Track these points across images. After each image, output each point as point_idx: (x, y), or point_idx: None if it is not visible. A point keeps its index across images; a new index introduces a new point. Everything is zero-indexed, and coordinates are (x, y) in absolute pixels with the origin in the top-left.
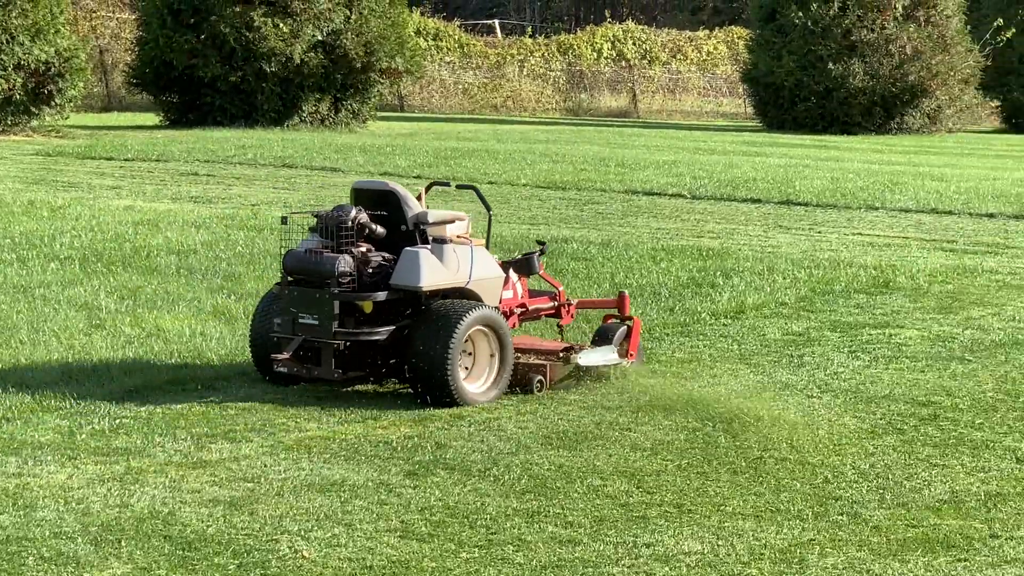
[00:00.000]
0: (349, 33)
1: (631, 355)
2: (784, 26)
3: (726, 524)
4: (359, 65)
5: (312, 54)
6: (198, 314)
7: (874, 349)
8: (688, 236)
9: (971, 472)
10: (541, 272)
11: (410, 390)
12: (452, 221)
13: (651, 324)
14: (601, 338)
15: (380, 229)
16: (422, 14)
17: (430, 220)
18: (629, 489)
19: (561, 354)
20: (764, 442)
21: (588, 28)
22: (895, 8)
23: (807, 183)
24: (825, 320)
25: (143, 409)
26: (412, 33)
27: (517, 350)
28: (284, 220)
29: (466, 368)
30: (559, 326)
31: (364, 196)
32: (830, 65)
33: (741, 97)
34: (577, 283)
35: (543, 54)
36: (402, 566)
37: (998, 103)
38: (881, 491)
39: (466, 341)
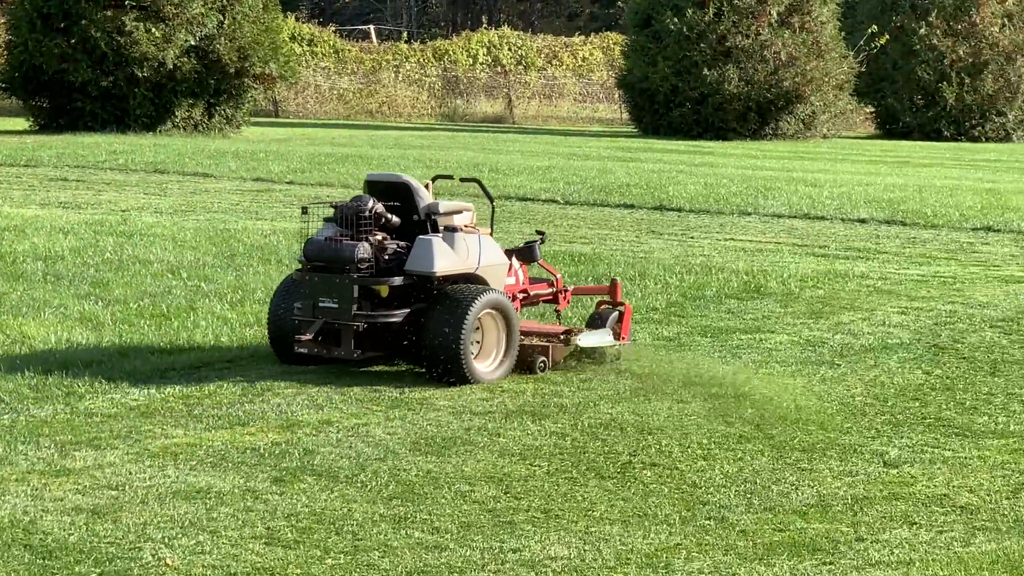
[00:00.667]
0: (223, 38)
1: (623, 338)
2: (659, 32)
3: (593, 529)
4: (233, 70)
5: (185, 59)
6: (64, 321)
7: (744, 354)
8: (560, 242)
9: (838, 476)
10: (540, 260)
11: (421, 369)
12: (460, 212)
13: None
14: (596, 322)
15: (395, 218)
16: (297, 19)
17: (441, 210)
18: (497, 494)
19: (562, 336)
20: (633, 447)
21: (464, 34)
22: (770, 14)
23: (680, 189)
24: (696, 325)
25: (6, 417)
26: (287, 38)
27: (521, 332)
28: (304, 210)
29: (474, 350)
30: (556, 311)
31: (378, 187)
32: (705, 71)
33: (617, 103)
34: None
35: (418, 59)
36: (267, 573)
37: (872, 109)
38: (748, 495)
39: (476, 325)
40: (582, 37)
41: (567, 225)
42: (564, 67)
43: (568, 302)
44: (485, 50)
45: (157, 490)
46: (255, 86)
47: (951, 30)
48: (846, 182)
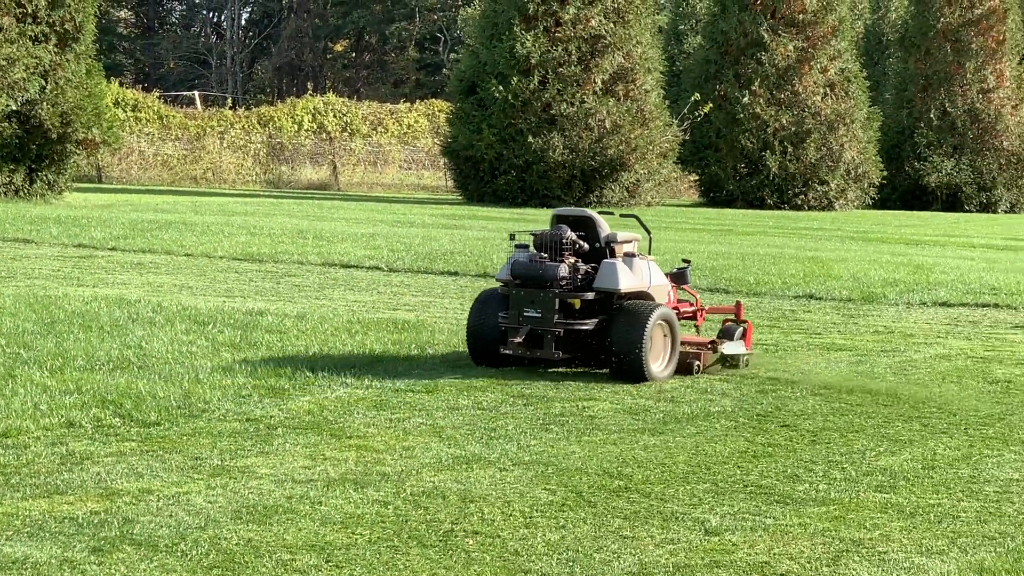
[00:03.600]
0: (45, 103)
1: (747, 348)
2: (484, 99)
3: None
4: (55, 136)
5: (6, 124)
6: None
7: (567, 422)
8: (384, 309)
9: (660, 544)
10: (687, 284)
11: (605, 370)
12: (630, 241)
13: (348, 399)
14: (725, 336)
15: (585, 245)
16: (121, 85)
17: (619, 240)
18: (318, 563)
19: (709, 345)
20: (455, 515)
21: (289, 100)
22: (594, 83)
23: (504, 256)
24: (518, 393)
25: None
26: (110, 104)
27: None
28: (512, 236)
29: None
30: (696, 326)
31: (565, 220)
32: (530, 138)
33: (442, 170)
34: (271, 355)
35: (243, 126)
36: None
37: (696, 177)
38: (571, 563)
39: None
40: (407, 104)
41: (391, 292)
42: (389, 134)
43: (703, 319)
44: (310, 116)
45: None
46: (78, 152)
47: (774, 99)
48: (669, 250)
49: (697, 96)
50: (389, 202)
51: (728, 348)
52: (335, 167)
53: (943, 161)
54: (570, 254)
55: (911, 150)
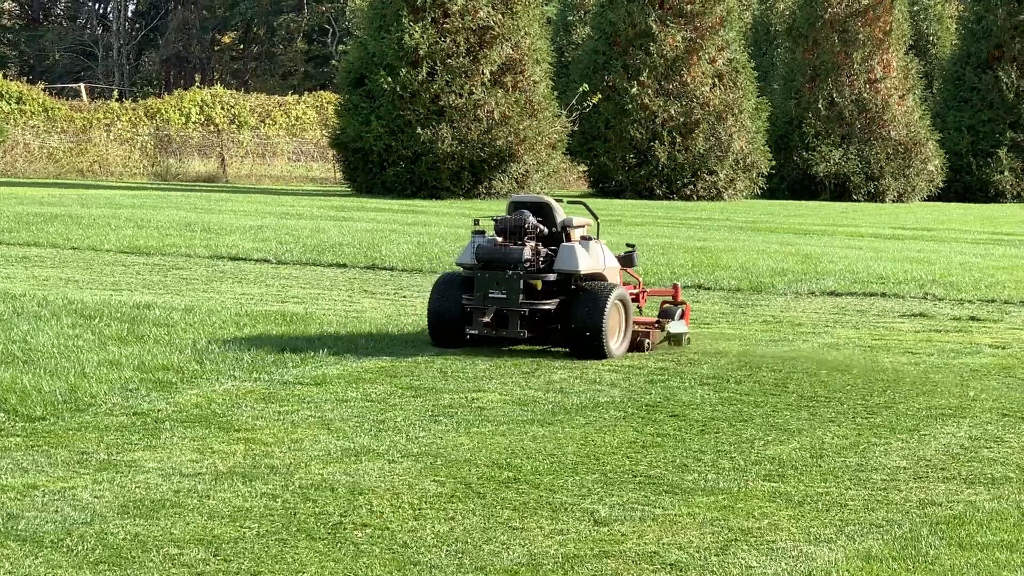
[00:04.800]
0: None
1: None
2: (372, 91)
3: None
4: None
5: None
6: None
7: (456, 413)
8: (272, 301)
9: (549, 535)
10: (633, 267)
11: (565, 348)
12: (584, 226)
13: (236, 392)
14: (667, 316)
15: (545, 229)
16: (5, 77)
17: (574, 224)
18: (206, 557)
19: (656, 324)
20: (344, 508)
21: (177, 92)
22: (483, 74)
23: (393, 248)
24: (407, 385)
25: None
26: None
27: None
28: (476, 222)
29: None
30: (639, 307)
31: (523, 205)
32: (419, 130)
33: (330, 161)
34: (159, 348)
35: (130, 118)
36: None
37: (586, 168)
38: (460, 555)
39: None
40: (296, 96)
41: (279, 285)
42: (278, 126)
43: (645, 301)
44: (198, 109)
45: None
46: None
47: (663, 90)
48: None
49: (586, 87)
50: (277, 194)
51: (674, 327)
52: (223, 159)
53: (831, 151)
54: (530, 238)
55: (799, 140)
